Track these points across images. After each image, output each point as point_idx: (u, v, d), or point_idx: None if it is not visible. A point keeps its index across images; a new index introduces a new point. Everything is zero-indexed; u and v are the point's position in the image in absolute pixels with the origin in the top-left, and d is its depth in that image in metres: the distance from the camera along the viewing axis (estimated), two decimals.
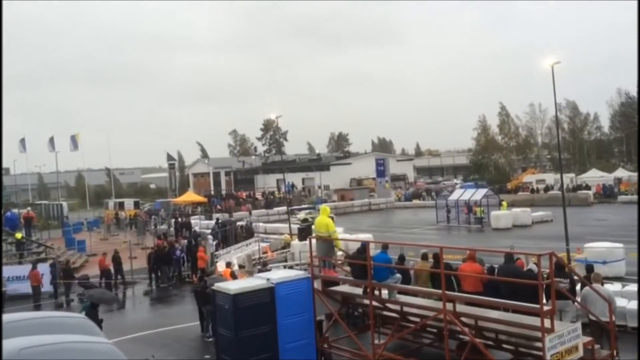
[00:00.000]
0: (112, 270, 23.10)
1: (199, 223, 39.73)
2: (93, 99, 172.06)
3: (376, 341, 11.59)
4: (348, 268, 12.73)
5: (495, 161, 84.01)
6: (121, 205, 52.83)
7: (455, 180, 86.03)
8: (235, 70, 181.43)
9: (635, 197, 49.61)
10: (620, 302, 13.05)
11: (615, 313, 11.23)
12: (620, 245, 19.33)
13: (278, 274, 12.56)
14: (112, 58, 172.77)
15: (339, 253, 14.86)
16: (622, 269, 18.43)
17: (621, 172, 59.59)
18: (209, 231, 31.17)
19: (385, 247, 11.63)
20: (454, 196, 41.54)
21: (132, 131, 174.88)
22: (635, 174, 57.39)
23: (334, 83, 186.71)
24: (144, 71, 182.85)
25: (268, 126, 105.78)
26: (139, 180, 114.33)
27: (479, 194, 39.58)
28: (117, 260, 23.55)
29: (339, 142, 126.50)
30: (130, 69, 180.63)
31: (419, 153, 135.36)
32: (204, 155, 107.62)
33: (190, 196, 56.56)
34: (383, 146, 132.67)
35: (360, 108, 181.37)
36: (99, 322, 11.67)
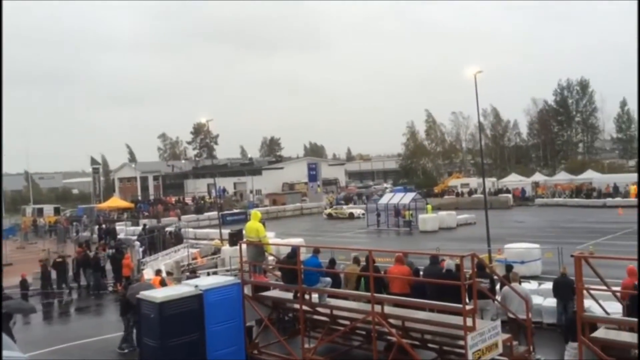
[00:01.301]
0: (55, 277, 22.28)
1: (124, 229, 38.34)
2: (10, 101, 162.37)
3: (306, 345, 11.62)
4: (279, 273, 12.69)
5: (423, 166, 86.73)
6: (40, 212, 50.14)
7: (385, 185, 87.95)
8: (161, 73, 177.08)
9: (551, 199, 52.78)
10: (537, 300, 13.75)
11: (532, 310, 11.85)
12: (537, 245, 20.40)
13: (207, 281, 12.34)
14: (32, 59, 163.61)
15: (270, 258, 14.78)
16: (539, 268, 19.43)
17: (538, 177, 62.95)
18: (135, 237, 30.14)
19: (316, 251, 11.69)
20: (383, 200, 42.43)
21: (52, 135, 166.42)
22: (551, 178, 60.98)
23: (264, 87, 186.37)
24: (65, 72, 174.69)
25: (199, 130, 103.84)
26: (60, 185, 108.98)
27: (407, 197, 40.66)
28: (60, 266, 22.52)
29: (271, 147, 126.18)
30: (51, 69, 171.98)
31: (350, 158, 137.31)
32: (132, 159, 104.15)
33: (116, 202, 54.50)
34: (315, 151, 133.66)
35: (291, 113, 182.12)
36: (12, 336, 10.99)
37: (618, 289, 9.52)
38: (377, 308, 9.98)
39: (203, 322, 10.89)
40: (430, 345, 10.84)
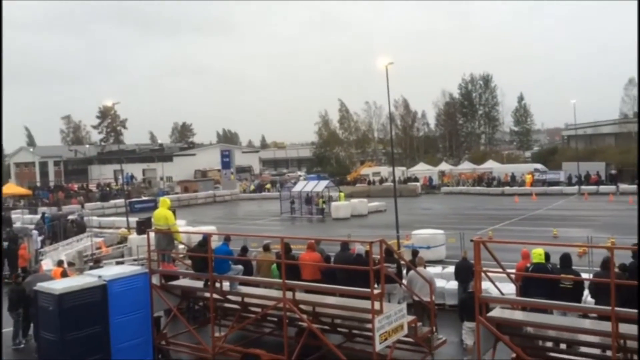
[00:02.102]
0: None
1: (21, 218, 35.85)
2: None
3: (217, 334, 11.48)
4: (190, 262, 12.41)
5: (336, 154, 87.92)
6: None
7: (299, 172, 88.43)
8: (63, 53, 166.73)
9: (455, 188, 55.54)
10: (440, 283, 14.44)
11: (435, 293, 12.43)
12: (442, 231, 21.40)
13: (112, 271, 11.81)
14: None
15: (181, 246, 14.44)
16: (443, 252, 20.39)
17: (444, 166, 66.00)
18: (33, 226, 28.24)
19: (227, 239, 11.52)
20: (297, 188, 42.67)
21: None
22: (455, 168, 64.14)
23: (173, 72, 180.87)
24: None
25: (105, 113, 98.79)
26: None
27: (320, 185, 41.15)
28: None
29: (183, 133, 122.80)
30: None
31: (264, 145, 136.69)
32: (31, 142, 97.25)
33: (11, 188, 50.72)
34: (228, 138, 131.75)
35: (204, 99, 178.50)
36: None
37: (513, 271, 10.19)
38: (289, 294, 10.04)
39: (107, 313, 10.44)
40: (339, 329, 11.10)
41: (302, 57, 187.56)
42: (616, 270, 8.22)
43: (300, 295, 10.39)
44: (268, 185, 65.22)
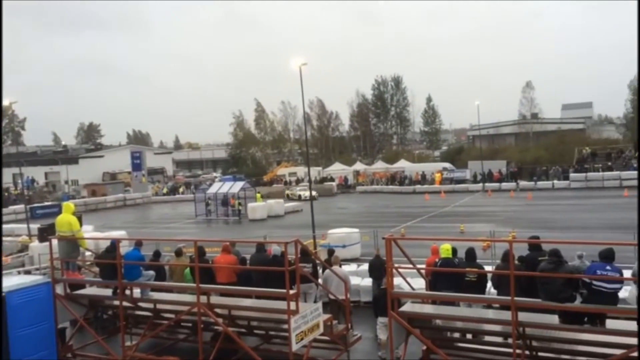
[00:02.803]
0: None
1: None
2: None
3: (128, 343, 11.05)
4: (97, 269, 11.82)
5: (252, 155, 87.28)
6: None
7: (214, 174, 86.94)
8: None
9: (370, 187, 56.93)
10: (355, 280, 14.72)
11: (351, 291, 12.67)
12: (357, 230, 21.85)
13: (11, 281, 11.01)
14: None
15: (87, 253, 13.76)
16: (358, 251, 20.83)
17: (359, 166, 67.44)
18: None
19: (138, 243, 11.12)
20: (212, 189, 41.95)
21: None
22: (370, 167, 65.71)
23: (78, 71, 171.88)
24: None
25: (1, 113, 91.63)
26: None
27: (236, 186, 40.72)
28: None
29: (90, 134, 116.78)
30: None
31: (178, 146, 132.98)
32: None
33: None
34: (139, 139, 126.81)
35: (112, 99, 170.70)
36: None
37: (423, 266, 10.59)
38: (203, 299, 9.84)
39: (5, 327, 9.74)
40: (256, 331, 11.03)
41: (217, 57, 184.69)
42: (515, 262, 8.78)
43: (215, 299, 10.22)
44: (182, 188, 63.64)
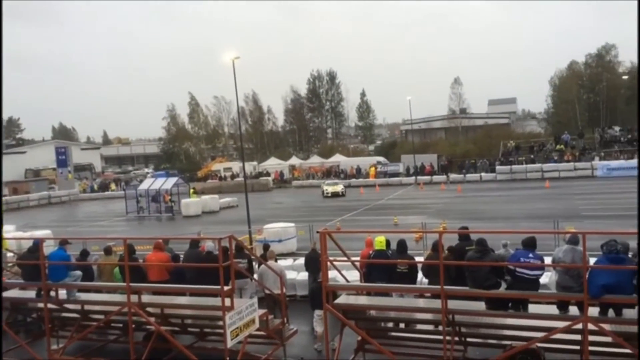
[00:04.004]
0: None
1: None
2: None
3: (54, 346, 10.60)
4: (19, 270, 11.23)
5: (185, 150, 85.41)
6: None
7: (146, 170, 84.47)
8: None
9: (306, 181, 57.13)
10: (291, 275, 14.77)
11: (287, 285, 12.70)
12: (293, 224, 21.86)
13: None
14: None
15: (9, 254, 13.05)
16: (294, 245, 20.86)
17: (295, 160, 67.49)
18: None
19: (63, 243, 10.63)
20: (144, 185, 40.72)
21: None
22: (305, 162, 65.93)
23: None
24: None
25: None
26: None
27: (169, 182, 39.75)
28: None
29: (9, 128, 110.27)
30: None
31: (107, 141, 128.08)
32: None
33: None
34: (64, 133, 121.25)
35: (34, 92, 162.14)
36: None
37: (357, 259, 10.75)
38: (134, 298, 9.56)
39: None
40: (190, 329, 10.84)
41: (147, 50, 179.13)
42: (445, 252, 9.09)
43: (146, 298, 9.95)
44: (112, 184, 61.43)
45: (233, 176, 60.10)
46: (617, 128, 51.38)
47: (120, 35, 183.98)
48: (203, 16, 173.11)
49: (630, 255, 7.87)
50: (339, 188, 43.76)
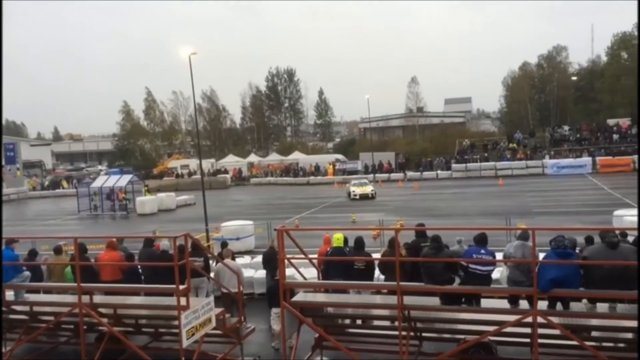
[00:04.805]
0: None
1: None
2: None
3: (3, 349, 10.17)
4: None
5: (141, 147, 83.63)
6: None
7: (100, 167, 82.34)
8: None
9: (264, 179, 56.86)
10: (249, 273, 14.65)
11: (245, 283, 12.60)
12: (251, 222, 21.74)
13: None
14: None
15: None
16: (252, 243, 20.75)
17: (253, 157, 67.11)
18: None
19: (10, 242, 10.25)
20: (97, 183, 39.64)
21: None
22: (264, 159, 65.63)
23: None
24: None
25: None
26: None
27: (124, 180, 38.83)
28: None
29: None
30: None
31: (58, 138, 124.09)
32: None
33: None
34: (12, 129, 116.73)
35: None
36: None
37: (315, 256, 10.77)
38: (85, 298, 9.29)
39: None
40: (145, 329, 10.63)
41: (101, 47, 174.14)
42: (402, 248, 9.21)
43: (99, 298, 9.69)
44: (64, 182, 59.57)
45: (190, 173, 59.22)
46: (566, 127, 53.26)
47: (70, 27, 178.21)
48: (160, 9, 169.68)
49: (577, 251, 8.19)
50: (369, 189, 36.31)
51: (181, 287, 8.63)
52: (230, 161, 63.87)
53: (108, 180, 39.57)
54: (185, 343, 8.48)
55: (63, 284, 10.52)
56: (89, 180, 44.39)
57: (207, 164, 60.31)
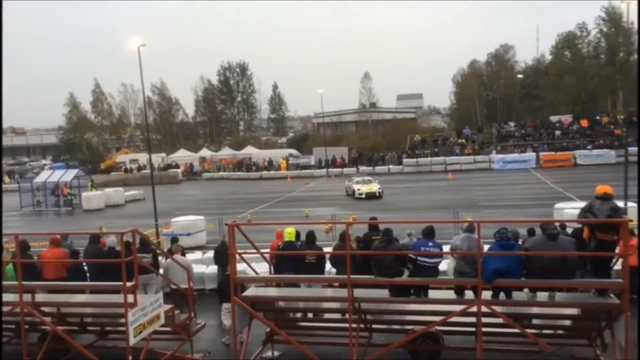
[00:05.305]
0: None
1: None
2: None
3: None
4: None
5: (88, 140, 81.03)
6: None
7: (44, 161, 79.36)
8: None
9: (217, 173, 56.16)
10: (200, 268, 14.49)
11: (195, 279, 12.45)
12: (202, 217, 21.46)
13: None
14: None
15: None
16: (204, 238, 20.50)
17: (205, 152, 66.06)
18: None
19: None
20: (41, 178, 38.22)
21: None
22: (216, 154, 64.77)
23: None
24: None
25: None
26: None
27: (69, 175, 37.59)
28: None
29: None
30: None
31: None
32: None
33: None
34: None
35: None
36: None
37: (267, 250, 10.74)
38: (27, 297, 8.96)
39: None
40: (90, 328, 10.35)
41: (44, 33, 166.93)
42: (353, 242, 9.31)
43: (41, 297, 9.37)
44: (5, 177, 57.09)
45: (140, 168, 57.85)
46: (512, 124, 54.94)
47: (14, 13, 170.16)
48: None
49: (520, 242, 8.50)
50: (375, 187, 32.74)
51: (128, 284, 8.44)
52: (182, 156, 62.70)
53: (52, 175, 38.24)
54: (133, 341, 8.32)
55: (4, 282, 10.10)
56: (32, 175, 42.73)
57: (158, 158, 59.08)
